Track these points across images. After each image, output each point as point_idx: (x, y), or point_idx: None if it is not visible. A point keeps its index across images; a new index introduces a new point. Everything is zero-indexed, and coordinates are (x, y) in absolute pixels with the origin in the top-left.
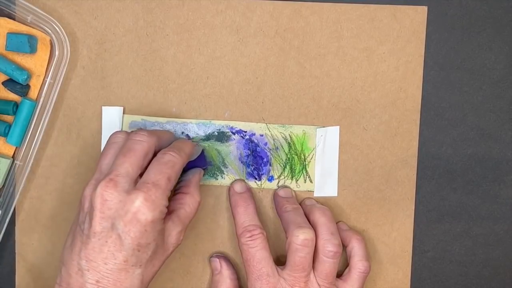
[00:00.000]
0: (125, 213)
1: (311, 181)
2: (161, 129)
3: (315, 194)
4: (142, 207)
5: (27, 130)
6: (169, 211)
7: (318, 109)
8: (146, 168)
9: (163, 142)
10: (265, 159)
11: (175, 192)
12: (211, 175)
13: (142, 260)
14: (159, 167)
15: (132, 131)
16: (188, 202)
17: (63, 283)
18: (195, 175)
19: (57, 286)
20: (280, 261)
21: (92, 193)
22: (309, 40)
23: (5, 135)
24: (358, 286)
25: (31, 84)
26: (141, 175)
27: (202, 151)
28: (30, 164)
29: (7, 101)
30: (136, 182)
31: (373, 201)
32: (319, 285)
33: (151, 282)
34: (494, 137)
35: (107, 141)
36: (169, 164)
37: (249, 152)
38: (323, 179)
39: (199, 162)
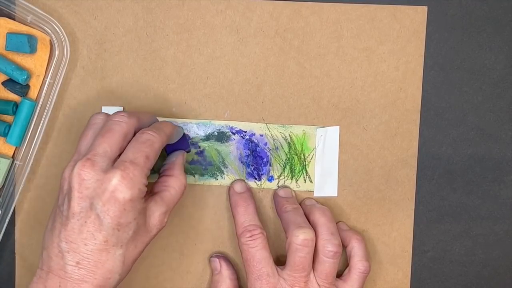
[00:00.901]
0: (102, 192)
1: (311, 181)
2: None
3: (315, 194)
4: (120, 185)
5: (27, 130)
6: (153, 193)
7: (318, 109)
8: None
9: (143, 124)
10: (265, 159)
11: (160, 174)
12: (211, 175)
13: (123, 240)
14: (137, 146)
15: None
16: (173, 184)
17: (44, 266)
18: (179, 156)
19: (38, 271)
20: (280, 261)
21: (70, 174)
22: (309, 40)
23: (5, 135)
24: (358, 286)
25: (31, 84)
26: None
27: (184, 134)
28: (30, 164)
29: (7, 101)
30: (114, 162)
31: (373, 201)
32: (319, 285)
33: (151, 280)
34: (494, 137)
35: (87, 123)
36: (147, 143)
37: (249, 152)
38: (323, 179)
39: (181, 145)
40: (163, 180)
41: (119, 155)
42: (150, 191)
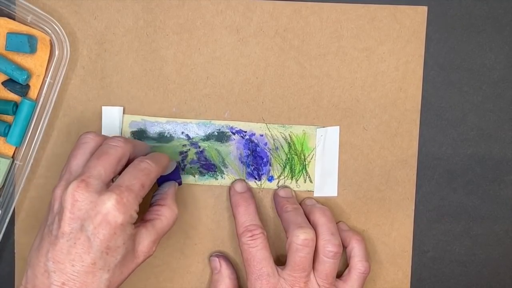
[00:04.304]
0: (95, 215)
1: (311, 181)
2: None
3: (315, 194)
4: (113, 209)
5: (27, 130)
6: (145, 220)
7: (318, 109)
8: (119, 174)
9: (138, 151)
10: (265, 159)
11: (152, 204)
12: (211, 175)
13: (110, 265)
14: (134, 172)
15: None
16: (165, 214)
17: (28, 284)
18: (171, 187)
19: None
20: (280, 261)
21: (63, 194)
22: (309, 40)
23: (5, 135)
24: (358, 287)
25: (31, 84)
26: (113, 181)
27: (176, 167)
28: (30, 164)
29: (7, 101)
30: (108, 186)
31: (373, 201)
32: (319, 285)
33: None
34: (494, 137)
35: (77, 142)
36: (145, 171)
37: (249, 152)
38: (323, 179)
39: (173, 177)
40: (155, 209)
41: (113, 180)
42: (142, 219)
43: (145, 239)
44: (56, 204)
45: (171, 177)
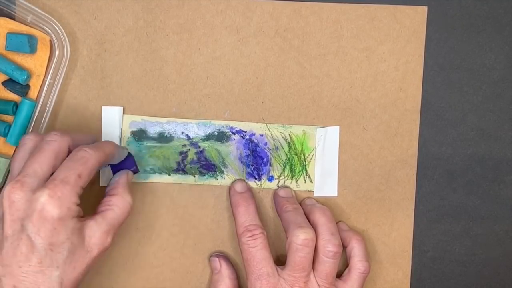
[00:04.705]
0: (32, 213)
1: (311, 181)
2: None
3: (315, 194)
4: (47, 204)
5: (27, 130)
6: (95, 212)
7: (318, 109)
8: None
9: (79, 143)
10: (265, 159)
11: (105, 195)
12: (211, 175)
13: (58, 261)
14: (69, 164)
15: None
16: (117, 203)
17: None
18: (122, 176)
19: None
20: (280, 261)
21: (2, 197)
22: (309, 40)
23: (5, 135)
24: (358, 287)
25: (31, 84)
26: None
27: (129, 154)
28: None
29: (7, 101)
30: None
31: (373, 201)
32: (318, 285)
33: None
34: (494, 137)
35: (18, 145)
36: (81, 161)
37: (249, 152)
38: (323, 179)
39: (127, 165)
40: (106, 200)
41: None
42: (94, 212)
43: (96, 231)
44: (0, 209)
45: (125, 166)
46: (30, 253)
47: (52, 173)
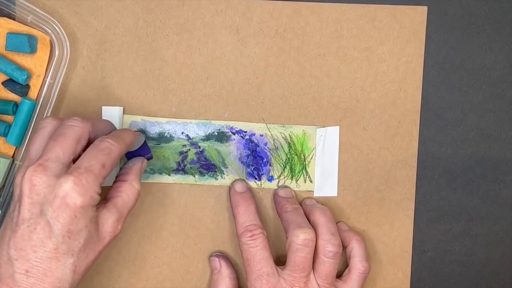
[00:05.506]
0: (53, 198)
1: (311, 181)
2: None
3: (315, 194)
4: (71, 191)
5: (27, 130)
6: (106, 199)
7: (318, 109)
8: (80, 155)
9: (99, 130)
10: (265, 159)
11: (115, 180)
12: (211, 175)
13: (74, 249)
14: (94, 153)
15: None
16: (126, 190)
17: None
18: (136, 163)
19: None
20: (280, 261)
21: (21, 180)
22: (309, 40)
23: (5, 135)
24: (358, 287)
25: (31, 84)
26: (75, 162)
27: (145, 141)
28: None
29: (7, 101)
30: (68, 168)
31: (373, 201)
32: (318, 285)
33: (151, 280)
34: (494, 137)
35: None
36: (105, 151)
37: (249, 152)
38: (323, 179)
39: (142, 152)
40: (117, 185)
41: (73, 160)
42: (105, 197)
43: (108, 219)
44: (17, 191)
45: (140, 152)
46: (47, 238)
47: (73, 159)
